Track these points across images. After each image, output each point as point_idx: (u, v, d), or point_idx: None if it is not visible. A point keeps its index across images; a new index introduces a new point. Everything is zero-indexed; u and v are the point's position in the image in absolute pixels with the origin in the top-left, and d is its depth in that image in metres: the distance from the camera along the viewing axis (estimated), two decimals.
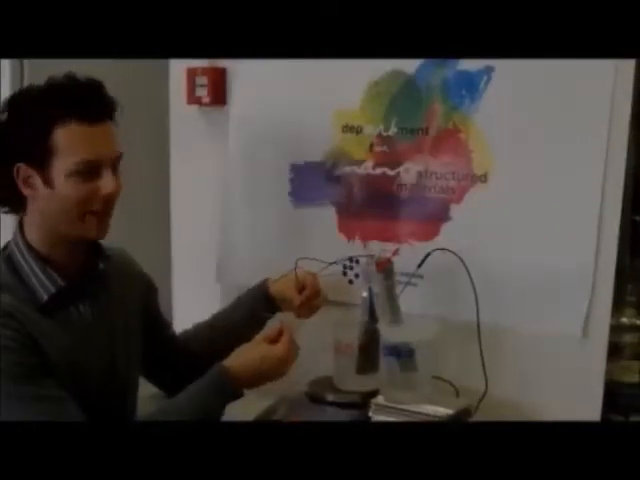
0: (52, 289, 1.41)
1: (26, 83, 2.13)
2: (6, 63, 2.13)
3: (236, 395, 1.45)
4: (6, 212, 1.48)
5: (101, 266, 1.50)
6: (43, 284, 1.41)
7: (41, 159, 1.38)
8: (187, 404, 1.41)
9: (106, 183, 1.40)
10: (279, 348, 1.48)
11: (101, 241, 1.50)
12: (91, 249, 1.50)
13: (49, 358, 1.37)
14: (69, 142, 1.37)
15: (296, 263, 1.65)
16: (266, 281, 1.72)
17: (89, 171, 1.39)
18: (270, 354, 1.48)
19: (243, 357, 1.48)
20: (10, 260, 1.43)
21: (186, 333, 1.73)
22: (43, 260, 1.42)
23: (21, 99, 1.41)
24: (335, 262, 1.69)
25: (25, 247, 1.43)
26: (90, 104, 1.38)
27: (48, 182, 1.38)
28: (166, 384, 1.66)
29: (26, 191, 1.40)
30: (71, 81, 1.40)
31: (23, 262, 1.42)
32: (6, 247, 1.47)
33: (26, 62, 2.14)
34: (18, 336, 1.34)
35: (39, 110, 1.37)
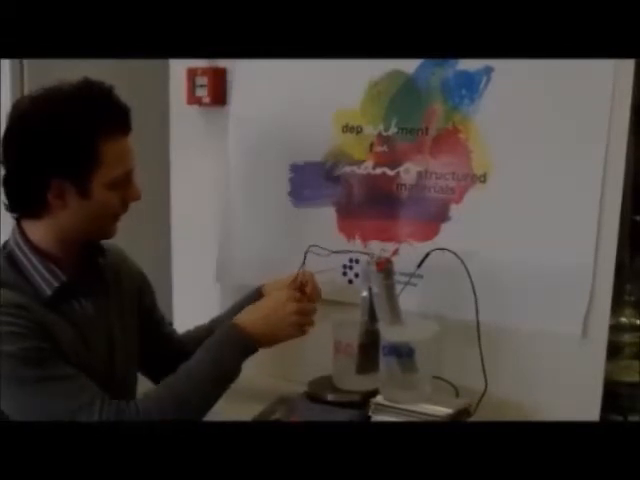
0: (55, 284, 1.43)
1: (26, 83, 2.14)
2: (6, 63, 2.13)
3: (248, 348, 1.51)
4: (18, 217, 1.47)
5: (100, 261, 1.53)
6: (46, 279, 1.43)
7: (82, 171, 1.40)
8: (202, 359, 1.47)
9: (135, 190, 1.47)
10: (282, 293, 1.57)
11: None
12: (90, 245, 1.52)
13: (59, 345, 1.39)
14: (115, 154, 1.41)
15: (308, 249, 1.64)
16: (261, 287, 1.73)
17: (126, 180, 1.45)
18: (275, 298, 1.57)
19: (251, 310, 1.57)
20: (11, 258, 1.44)
21: (187, 333, 1.75)
22: (45, 257, 1.44)
23: (57, 111, 1.39)
24: (340, 251, 1.70)
25: (26, 245, 1.44)
26: (127, 115, 1.43)
27: (84, 193, 1.41)
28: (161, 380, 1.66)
29: (55, 201, 1.41)
30: (103, 91, 1.41)
31: (25, 260, 1.43)
32: (4, 246, 1.47)
33: (26, 62, 2.14)
34: (30, 324, 1.37)
35: (86, 123, 1.38)
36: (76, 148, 1.38)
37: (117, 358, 1.53)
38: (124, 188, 1.45)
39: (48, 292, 1.42)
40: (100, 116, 1.39)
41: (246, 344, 1.50)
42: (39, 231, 1.45)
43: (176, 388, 1.44)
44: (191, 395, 1.43)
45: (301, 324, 1.58)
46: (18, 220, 1.47)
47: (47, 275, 1.43)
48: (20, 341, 1.35)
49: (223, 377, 1.48)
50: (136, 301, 1.62)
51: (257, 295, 1.72)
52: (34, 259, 1.43)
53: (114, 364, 1.52)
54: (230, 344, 1.49)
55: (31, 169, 1.40)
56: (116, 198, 1.45)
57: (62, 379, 1.37)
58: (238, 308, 1.72)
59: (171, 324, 1.77)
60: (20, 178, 1.42)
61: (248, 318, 1.54)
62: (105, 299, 1.53)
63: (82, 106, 1.39)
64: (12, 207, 1.46)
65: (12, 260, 1.44)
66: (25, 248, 1.44)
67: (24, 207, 1.45)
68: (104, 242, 1.55)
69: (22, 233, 1.45)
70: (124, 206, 1.48)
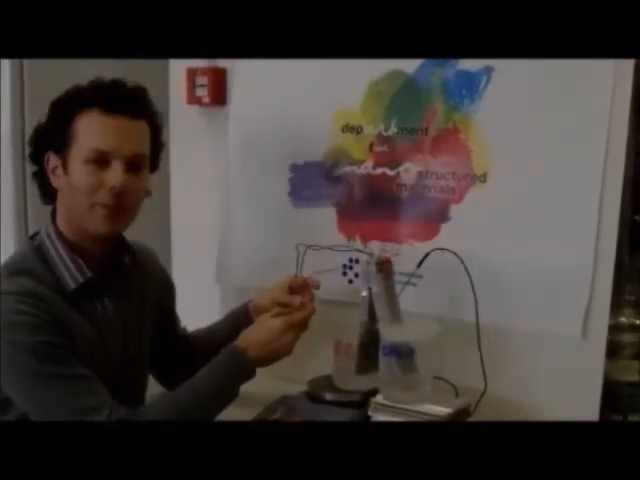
0: (80, 279, 1.43)
1: (26, 83, 2.14)
2: (6, 63, 2.13)
3: (246, 374, 1.48)
4: (44, 203, 1.51)
5: (126, 261, 1.53)
6: (71, 273, 1.43)
7: (63, 145, 1.42)
8: (202, 382, 1.45)
9: (114, 176, 1.40)
10: (277, 320, 1.51)
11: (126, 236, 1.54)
12: (118, 243, 1.53)
13: (74, 341, 1.39)
14: (87, 128, 1.41)
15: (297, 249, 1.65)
16: (247, 303, 1.71)
17: (101, 161, 1.40)
18: (269, 324, 1.51)
19: (249, 333, 1.51)
20: (40, 248, 1.45)
21: (192, 334, 1.75)
22: (73, 250, 1.44)
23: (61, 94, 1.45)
24: (330, 247, 1.70)
25: (56, 236, 1.45)
26: (112, 94, 1.43)
27: (66, 169, 1.42)
28: (169, 379, 1.66)
29: (54, 181, 1.45)
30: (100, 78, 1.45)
31: (53, 251, 1.44)
32: (35, 235, 1.49)
33: (26, 62, 2.14)
34: (47, 316, 1.36)
35: (64, 97, 1.43)
36: (56, 119, 1.43)
37: (130, 358, 1.53)
38: (100, 170, 1.40)
39: (72, 286, 1.42)
40: (81, 90, 1.43)
41: (245, 368, 1.48)
42: (59, 219, 1.46)
43: (179, 402, 1.44)
44: (192, 410, 1.42)
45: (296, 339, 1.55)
46: (53, 210, 1.49)
47: (73, 268, 1.43)
48: (33, 333, 1.34)
49: (223, 397, 1.47)
50: (157, 304, 1.62)
51: (245, 311, 1.69)
52: (62, 251, 1.43)
53: (127, 363, 1.52)
54: (230, 369, 1.47)
55: (32, 145, 1.48)
56: (89, 179, 1.39)
57: (73, 378, 1.36)
58: (225, 323, 1.72)
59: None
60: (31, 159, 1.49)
61: (247, 340, 1.49)
62: (127, 300, 1.53)
63: (76, 86, 1.44)
64: (41, 196, 1.51)
65: (40, 249, 1.45)
66: (54, 239, 1.45)
67: (41, 190, 1.50)
68: (135, 242, 1.56)
69: (54, 224, 1.46)
70: (103, 192, 1.40)
